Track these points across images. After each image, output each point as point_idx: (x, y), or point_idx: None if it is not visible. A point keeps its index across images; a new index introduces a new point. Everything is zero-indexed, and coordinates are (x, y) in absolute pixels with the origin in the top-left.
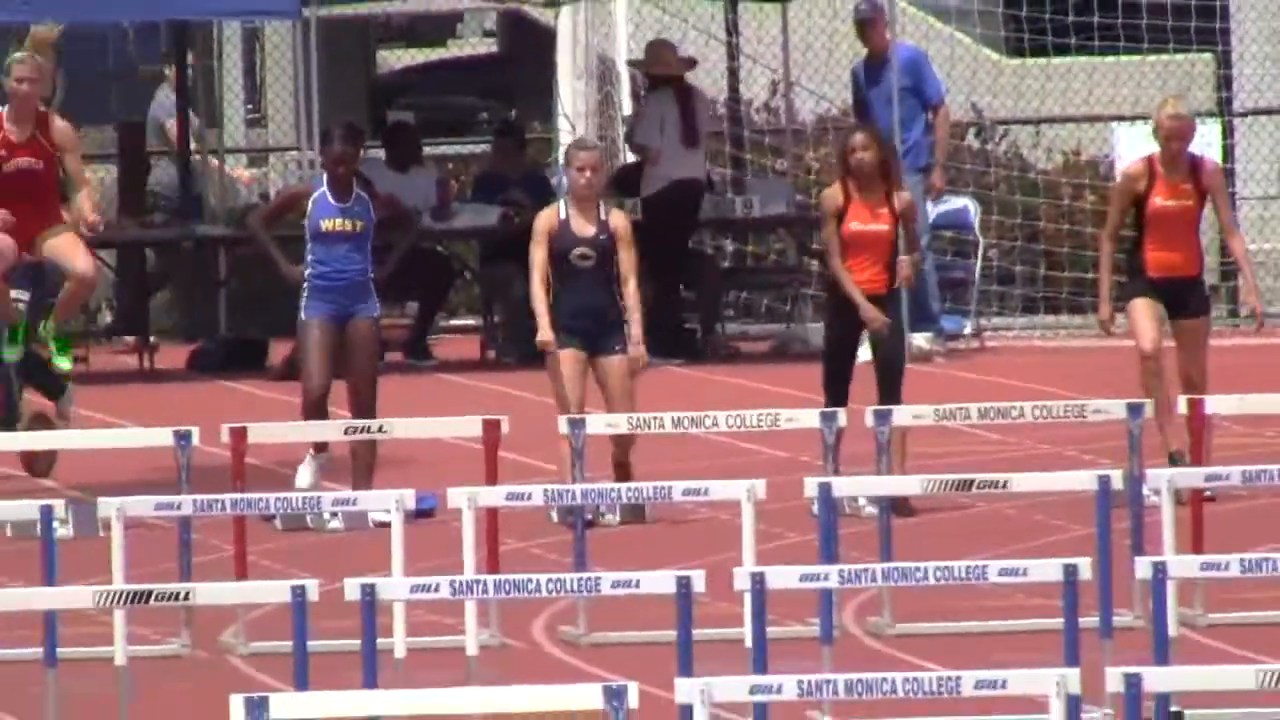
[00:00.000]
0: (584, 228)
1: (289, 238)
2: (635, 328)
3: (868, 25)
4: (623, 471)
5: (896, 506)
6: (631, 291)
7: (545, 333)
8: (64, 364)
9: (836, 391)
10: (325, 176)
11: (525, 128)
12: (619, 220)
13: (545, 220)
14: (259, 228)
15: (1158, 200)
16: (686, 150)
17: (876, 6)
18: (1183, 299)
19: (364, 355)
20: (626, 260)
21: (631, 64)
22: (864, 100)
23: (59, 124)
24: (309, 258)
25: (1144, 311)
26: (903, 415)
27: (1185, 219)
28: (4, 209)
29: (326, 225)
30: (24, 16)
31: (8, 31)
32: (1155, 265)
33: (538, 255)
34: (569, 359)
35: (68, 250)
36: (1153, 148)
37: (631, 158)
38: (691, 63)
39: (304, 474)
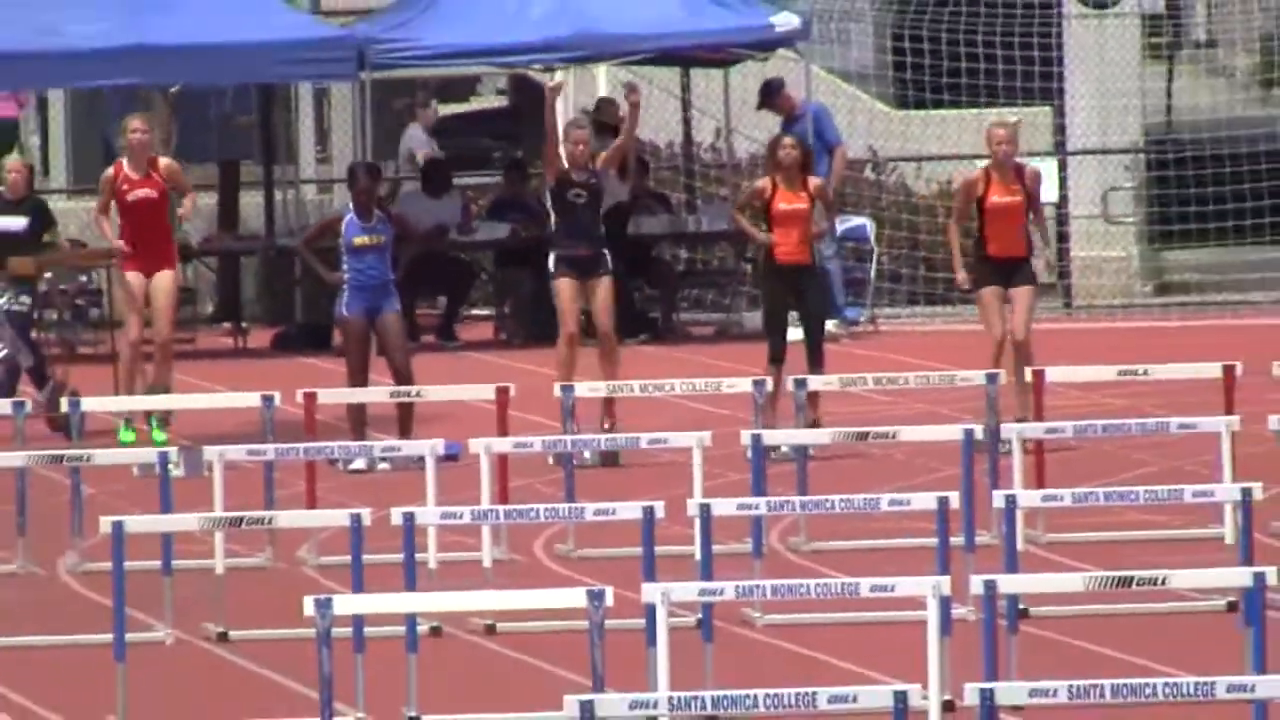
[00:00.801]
0: (578, 175)
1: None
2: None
3: (775, 94)
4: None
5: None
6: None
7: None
8: (160, 437)
9: (776, 342)
10: (352, 204)
11: (529, 164)
12: (601, 157)
13: (561, 159)
14: (303, 249)
15: (994, 198)
16: (619, 185)
17: (780, 81)
18: (1015, 272)
19: (397, 339)
20: (627, 134)
21: (585, 113)
22: None
23: (164, 161)
24: (344, 267)
25: (990, 304)
26: (815, 382)
27: (1014, 211)
28: (130, 232)
29: (357, 241)
30: (141, 79)
31: (133, 93)
32: (994, 248)
33: (548, 178)
34: (566, 287)
35: (162, 308)
36: None
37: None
38: (623, 116)
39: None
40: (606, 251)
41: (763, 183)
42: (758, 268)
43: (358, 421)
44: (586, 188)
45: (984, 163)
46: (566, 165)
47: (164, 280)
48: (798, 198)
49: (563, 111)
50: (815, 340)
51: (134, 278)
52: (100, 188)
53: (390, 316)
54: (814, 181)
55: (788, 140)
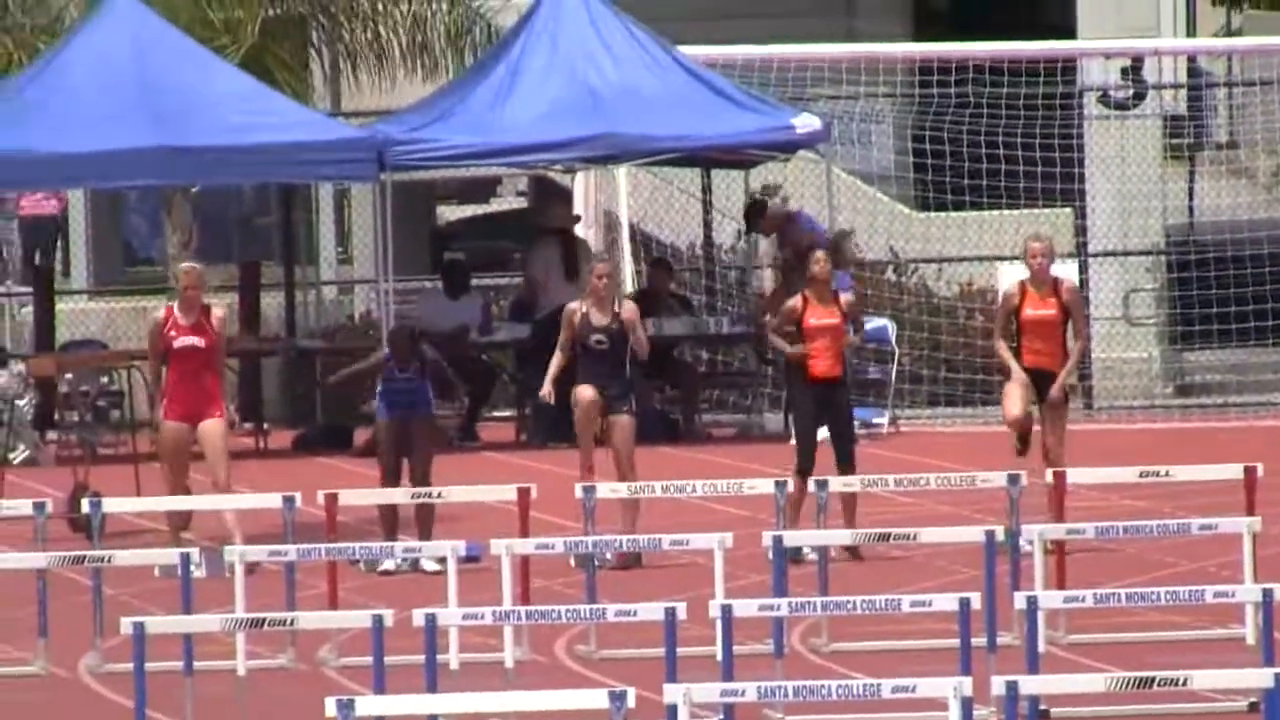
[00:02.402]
0: (600, 319)
1: (368, 349)
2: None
3: (761, 216)
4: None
5: (850, 551)
6: (642, 345)
7: (545, 386)
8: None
9: (806, 455)
10: (392, 357)
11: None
12: (629, 308)
13: (570, 312)
14: (334, 382)
15: (1029, 311)
16: (567, 283)
17: (762, 202)
18: (1048, 385)
19: (422, 442)
20: (639, 340)
21: (525, 211)
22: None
23: (217, 313)
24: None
25: (1013, 391)
26: (836, 484)
27: (1048, 324)
28: (175, 379)
29: (393, 384)
30: (165, 179)
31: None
32: (1029, 359)
33: (564, 335)
34: (586, 392)
35: (216, 456)
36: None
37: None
38: (576, 218)
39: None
40: (631, 395)
41: (795, 301)
42: (784, 371)
43: (389, 522)
44: (608, 333)
45: (1010, 266)
46: (585, 309)
47: (213, 427)
48: (829, 312)
49: (586, 221)
50: (847, 450)
51: (174, 427)
52: (149, 334)
53: (419, 422)
54: (845, 298)
55: (820, 255)
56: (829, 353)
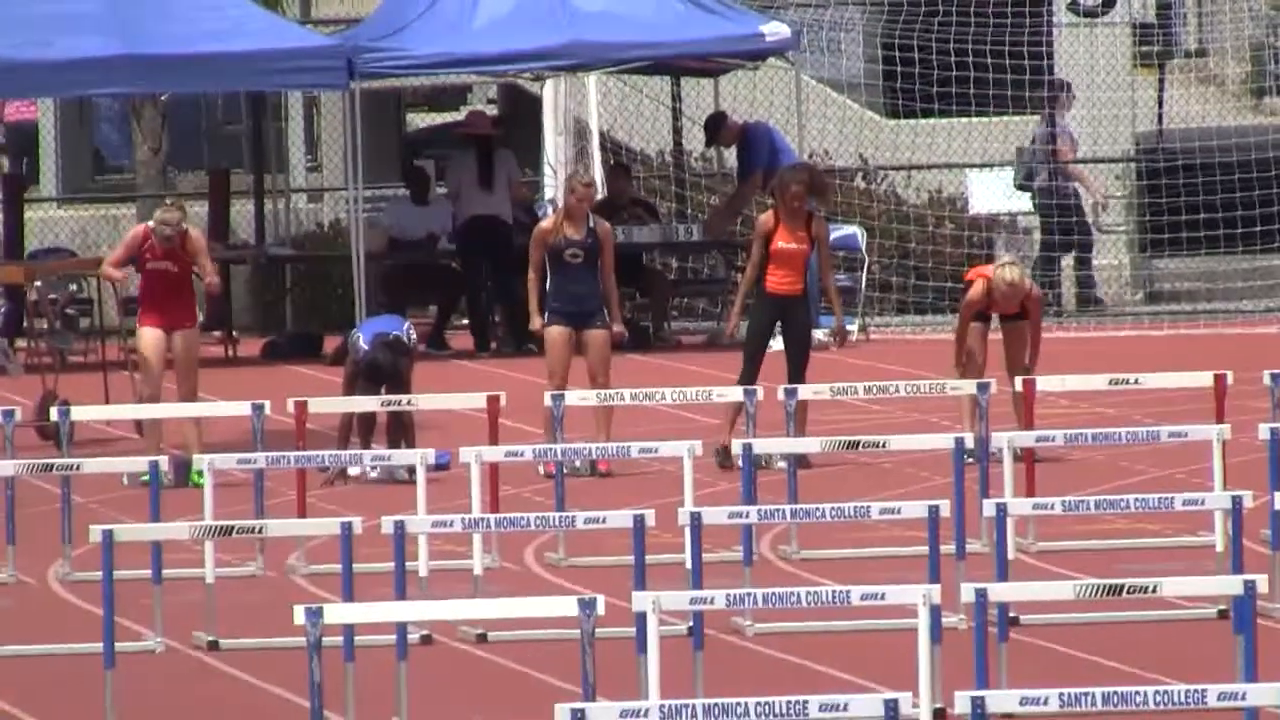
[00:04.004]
0: (574, 234)
1: (337, 257)
2: (615, 310)
3: (720, 129)
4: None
5: (800, 461)
6: (611, 283)
7: (534, 321)
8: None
9: (751, 370)
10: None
11: (520, 171)
12: (603, 227)
13: (541, 231)
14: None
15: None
16: (481, 192)
17: (720, 114)
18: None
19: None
20: (608, 259)
21: (448, 125)
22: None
23: (194, 234)
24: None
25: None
26: (805, 391)
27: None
28: (147, 293)
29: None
30: (133, 88)
31: (121, 101)
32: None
33: (535, 255)
34: (558, 335)
35: (184, 367)
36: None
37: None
38: (496, 123)
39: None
40: (603, 306)
41: (767, 217)
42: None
43: (344, 432)
44: (583, 247)
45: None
46: (563, 220)
47: (186, 337)
48: (796, 237)
49: (556, 129)
50: (798, 364)
51: (150, 333)
52: (124, 242)
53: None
54: (817, 227)
55: (796, 188)
56: (789, 274)
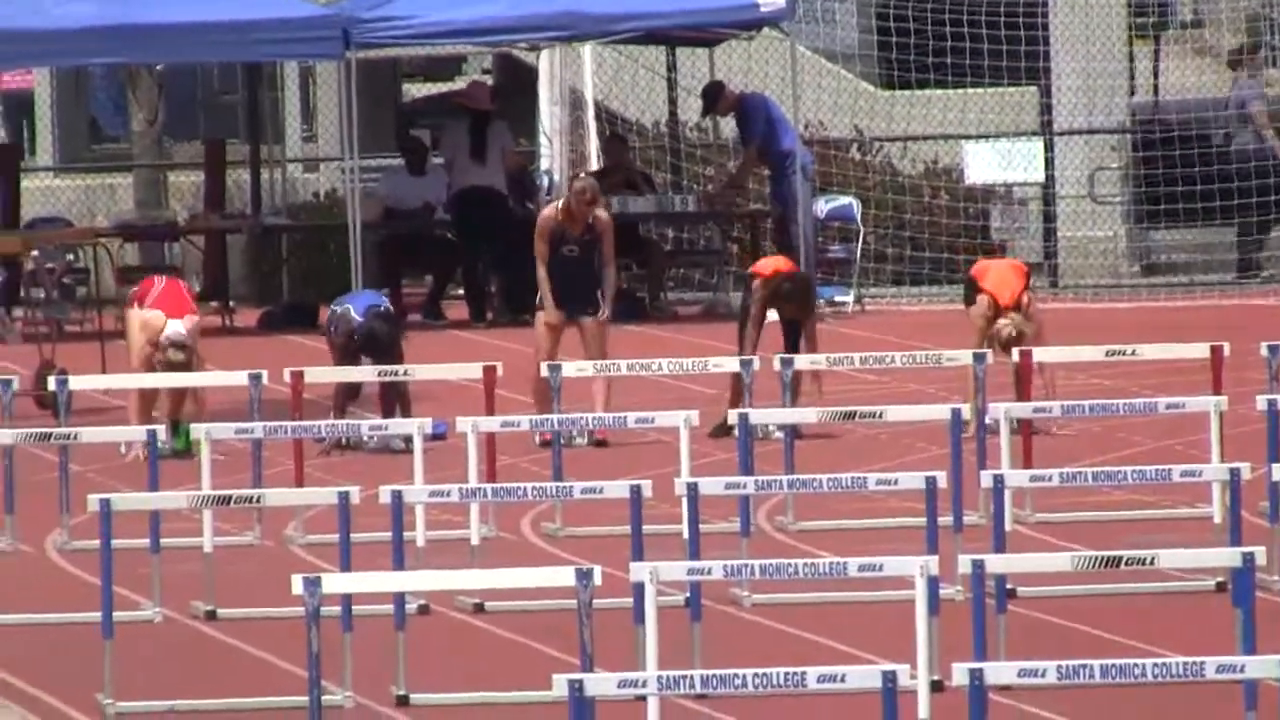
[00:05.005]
0: (573, 231)
1: (333, 227)
2: (609, 299)
3: (717, 99)
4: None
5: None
6: (610, 274)
7: (550, 314)
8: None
9: (743, 348)
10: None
11: (515, 142)
12: (603, 217)
13: (545, 220)
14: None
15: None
16: (473, 163)
17: (718, 84)
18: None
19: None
20: (608, 249)
21: (445, 95)
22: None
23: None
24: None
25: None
26: (801, 362)
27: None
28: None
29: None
30: (129, 58)
31: (116, 70)
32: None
33: (540, 248)
34: (546, 328)
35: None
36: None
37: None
38: (492, 95)
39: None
40: (598, 296)
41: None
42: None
43: (338, 401)
44: (580, 244)
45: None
46: (563, 219)
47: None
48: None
49: (551, 98)
50: (794, 339)
51: (156, 314)
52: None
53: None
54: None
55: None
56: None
